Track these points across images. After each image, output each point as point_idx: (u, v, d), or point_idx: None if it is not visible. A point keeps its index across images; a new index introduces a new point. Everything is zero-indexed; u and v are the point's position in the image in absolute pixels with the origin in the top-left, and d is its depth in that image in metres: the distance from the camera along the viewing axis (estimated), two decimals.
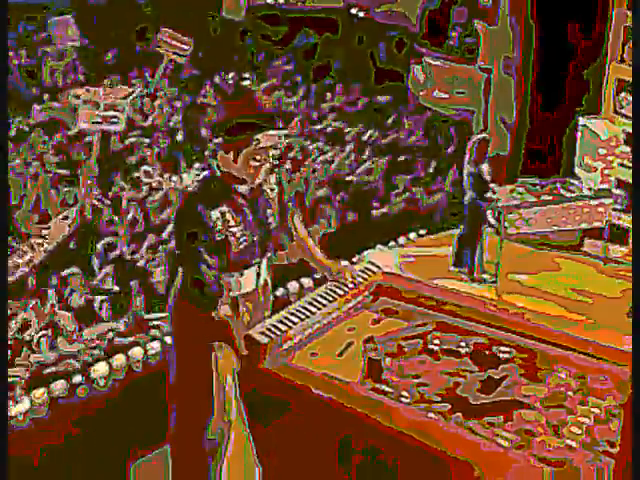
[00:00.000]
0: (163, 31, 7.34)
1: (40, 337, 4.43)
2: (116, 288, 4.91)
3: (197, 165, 6.37)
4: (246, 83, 7.47)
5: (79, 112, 6.02)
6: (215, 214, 3.31)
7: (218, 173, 3.39)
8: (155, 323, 4.63)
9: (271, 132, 3.33)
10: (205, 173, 3.49)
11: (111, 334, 4.48)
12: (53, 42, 7.58)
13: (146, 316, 4.68)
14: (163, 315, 4.57)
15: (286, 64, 8.81)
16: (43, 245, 4.92)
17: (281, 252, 3.81)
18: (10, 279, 4.74)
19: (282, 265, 4.54)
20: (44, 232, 5.06)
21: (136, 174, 6.18)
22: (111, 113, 5.98)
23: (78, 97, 6.67)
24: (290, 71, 8.66)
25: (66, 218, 5.22)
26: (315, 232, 4.89)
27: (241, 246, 3.38)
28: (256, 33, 9.12)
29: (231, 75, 7.90)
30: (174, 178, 5.91)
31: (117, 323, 4.58)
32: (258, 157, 3.31)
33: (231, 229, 3.34)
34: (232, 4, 9.01)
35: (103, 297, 4.87)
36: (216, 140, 3.38)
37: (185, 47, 7.40)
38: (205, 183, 3.48)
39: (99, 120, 5.99)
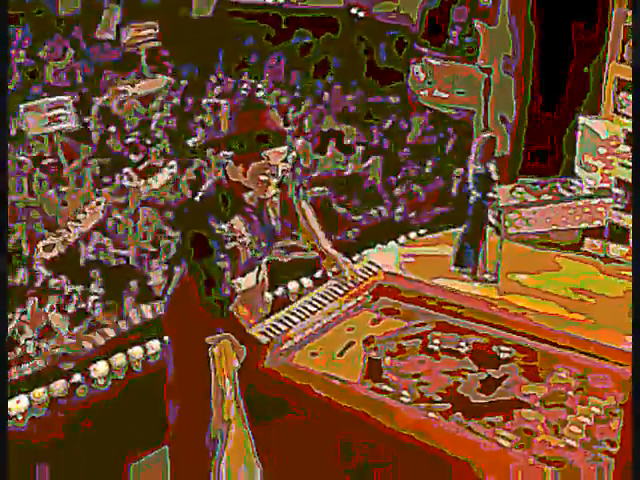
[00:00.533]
0: (127, 29, 7.42)
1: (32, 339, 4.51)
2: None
3: (171, 163, 6.41)
4: (260, 94, 7.55)
5: (25, 121, 6.15)
6: (225, 226, 3.32)
7: (225, 182, 3.40)
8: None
9: (280, 149, 3.34)
10: (209, 182, 3.50)
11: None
12: (97, 30, 7.67)
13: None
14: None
15: (278, 63, 8.83)
16: (77, 227, 5.17)
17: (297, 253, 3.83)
18: (47, 256, 5.13)
19: (282, 265, 4.55)
20: (80, 216, 5.41)
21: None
22: (57, 112, 6.12)
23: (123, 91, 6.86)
24: (288, 70, 8.68)
25: (99, 204, 5.48)
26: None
27: (249, 253, 3.40)
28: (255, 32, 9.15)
29: (245, 86, 7.92)
30: (150, 179, 6.01)
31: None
32: (267, 172, 3.32)
33: (240, 239, 3.36)
34: (201, 2, 9.05)
35: (95, 297, 4.93)
36: (226, 152, 3.39)
37: (152, 31, 7.50)
38: (212, 192, 3.47)
39: (47, 122, 6.11)
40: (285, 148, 3.37)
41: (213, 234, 3.28)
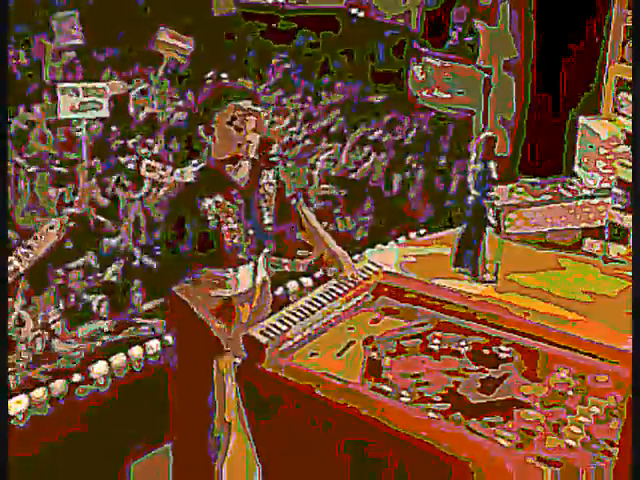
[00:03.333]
0: (162, 31, 7.31)
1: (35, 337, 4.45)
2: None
3: (195, 161, 6.38)
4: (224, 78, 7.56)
5: (59, 101, 6.02)
6: (208, 202, 3.31)
7: (212, 163, 3.39)
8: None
9: (244, 101, 3.31)
10: (201, 165, 3.49)
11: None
12: (56, 39, 7.54)
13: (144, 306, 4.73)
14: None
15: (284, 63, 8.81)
16: (29, 255, 4.91)
17: (298, 260, 3.82)
18: None
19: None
20: (30, 242, 5.04)
21: (139, 167, 6.18)
22: (91, 99, 6.00)
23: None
24: (290, 70, 8.66)
25: (52, 228, 5.20)
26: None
27: (235, 239, 3.37)
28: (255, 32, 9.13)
29: (210, 74, 7.89)
30: (177, 171, 5.90)
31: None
32: (235, 123, 3.29)
33: (224, 219, 3.33)
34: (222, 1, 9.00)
35: (102, 296, 4.88)
36: (200, 126, 3.38)
37: (186, 46, 7.37)
38: (199, 174, 3.47)
39: (80, 107, 6.00)
40: (249, 101, 3.31)
41: (196, 213, 3.28)
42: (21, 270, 4.80)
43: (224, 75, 7.52)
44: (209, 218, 3.31)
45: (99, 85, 6.08)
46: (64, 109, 5.98)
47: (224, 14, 8.87)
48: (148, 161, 5.97)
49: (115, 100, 6.65)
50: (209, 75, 7.67)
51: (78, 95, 5.94)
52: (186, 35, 7.33)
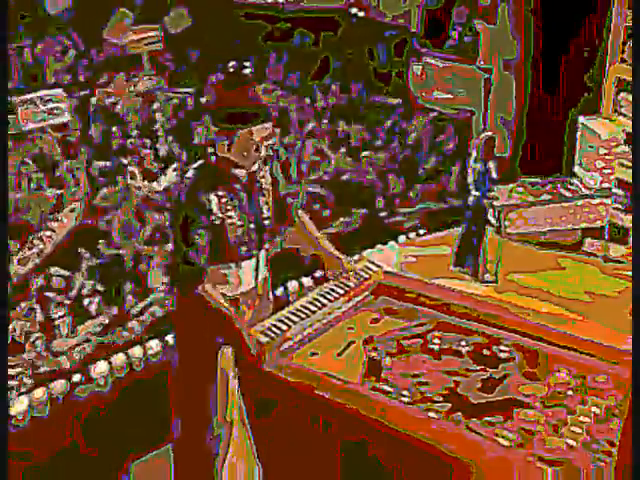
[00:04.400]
0: (127, 32, 7.35)
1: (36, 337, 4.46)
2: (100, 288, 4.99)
3: (174, 166, 6.39)
4: (247, 72, 7.50)
5: (18, 114, 6.05)
6: (212, 196, 3.32)
7: (213, 159, 3.40)
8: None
9: (264, 125, 3.33)
10: (200, 162, 3.49)
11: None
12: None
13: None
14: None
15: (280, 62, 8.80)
16: (52, 238, 5.01)
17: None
18: (21, 271, 4.88)
19: (282, 263, 4.53)
20: (53, 225, 5.13)
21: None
22: (51, 106, 6.03)
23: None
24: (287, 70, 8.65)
25: (73, 211, 5.29)
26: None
27: (238, 232, 3.38)
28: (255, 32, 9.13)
29: (231, 63, 7.86)
30: (154, 183, 5.97)
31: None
32: (252, 148, 3.32)
33: (228, 213, 3.34)
34: None
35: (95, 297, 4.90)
36: (213, 128, 3.40)
37: (155, 33, 7.41)
38: (201, 169, 3.47)
39: (41, 117, 6.03)
40: (270, 124, 3.36)
41: (201, 207, 3.29)
42: (45, 252, 4.96)
43: (247, 64, 7.46)
44: (213, 211, 3.31)
45: (56, 92, 6.14)
46: (25, 121, 6.03)
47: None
48: (132, 168, 6.04)
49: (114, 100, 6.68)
50: (230, 64, 7.61)
51: (36, 105, 6.00)
52: (149, 24, 7.37)
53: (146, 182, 5.98)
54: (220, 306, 3.33)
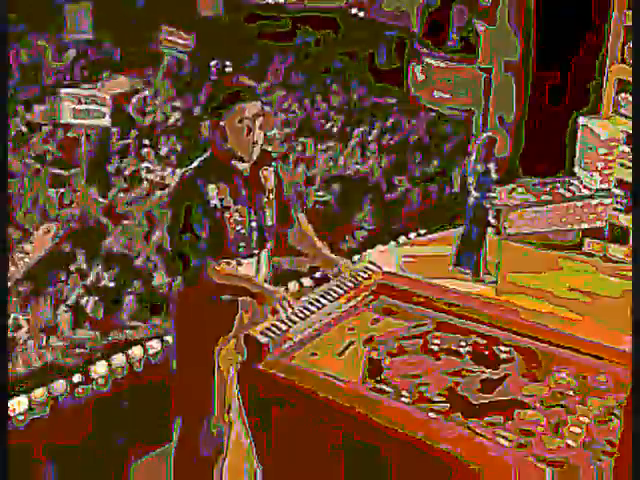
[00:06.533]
0: (163, 29, 7.31)
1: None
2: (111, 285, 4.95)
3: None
4: (228, 70, 7.52)
5: (62, 106, 6.01)
6: (211, 188, 3.31)
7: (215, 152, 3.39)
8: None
9: (253, 102, 3.31)
10: (205, 155, 3.48)
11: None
12: (66, 31, 7.51)
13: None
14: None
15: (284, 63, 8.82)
16: (24, 260, 4.87)
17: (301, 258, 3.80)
18: None
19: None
20: (26, 247, 5.01)
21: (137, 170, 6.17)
22: (94, 107, 5.97)
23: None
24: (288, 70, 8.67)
25: (48, 232, 5.17)
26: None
27: (238, 227, 3.36)
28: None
29: (213, 62, 7.86)
30: (177, 171, 5.90)
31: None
32: (245, 123, 3.29)
33: (227, 207, 3.32)
34: (208, 1, 9.00)
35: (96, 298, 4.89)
36: (207, 120, 3.38)
37: (186, 43, 7.37)
38: (202, 163, 3.45)
39: (81, 115, 5.98)
40: (259, 103, 3.32)
41: (200, 198, 3.27)
42: (17, 275, 4.78)
43: (228, 63, 7.47)
44: (213, 203, 3.30)
45: (100, 94, 6.08)
46: (65, 115, 5.98)
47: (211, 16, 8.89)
48: (147, 164, 5.99)
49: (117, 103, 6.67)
50: (212, 64, 7.63)
51: (80, 102, 5.94)
52: (186, 32, 7.34)
53: (159, 167, 5.91)
54: (233, 278, 3.32)
